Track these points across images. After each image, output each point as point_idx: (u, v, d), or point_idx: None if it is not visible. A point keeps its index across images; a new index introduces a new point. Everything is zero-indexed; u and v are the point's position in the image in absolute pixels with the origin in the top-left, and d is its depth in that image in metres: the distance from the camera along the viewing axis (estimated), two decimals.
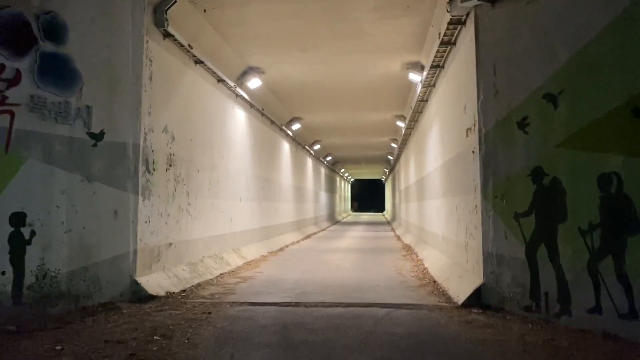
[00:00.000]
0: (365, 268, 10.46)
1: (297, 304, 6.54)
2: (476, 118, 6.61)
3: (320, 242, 18.21)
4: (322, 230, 25.88)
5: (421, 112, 13.67)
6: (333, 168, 37.81)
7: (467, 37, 7.19)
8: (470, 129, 7.05)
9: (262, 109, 13.88)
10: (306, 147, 22.72)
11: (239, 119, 12.08)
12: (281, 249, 14.75)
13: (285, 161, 18.65)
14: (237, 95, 11.62)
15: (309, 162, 25.27)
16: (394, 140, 23.98)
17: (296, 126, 18.35)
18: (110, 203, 6.47)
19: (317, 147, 25.24)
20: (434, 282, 8.40)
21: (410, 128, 16.55)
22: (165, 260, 7.73)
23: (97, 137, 6.38)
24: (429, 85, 10.90)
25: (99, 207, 6.36)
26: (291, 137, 18.70)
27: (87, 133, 6.30)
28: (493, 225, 6.24)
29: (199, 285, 8.07)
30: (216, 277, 8.99)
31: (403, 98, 14.85)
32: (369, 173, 54.09)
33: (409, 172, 19.81)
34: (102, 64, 6.50)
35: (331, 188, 37.66)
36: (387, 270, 10.05)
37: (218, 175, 10.38)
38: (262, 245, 13.64)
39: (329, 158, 31.84)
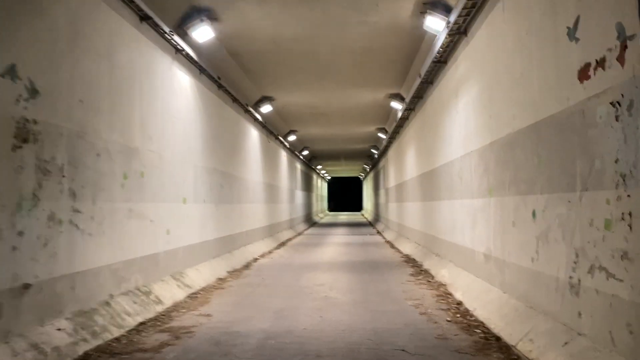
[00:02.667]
0: (368, 303, 6.97)
1: None
2: (624, 35, 3.20)
3: (298, 252, 14.65)
4: (299, 234, 22.33)
5: (432, 82, 10.28)
6: (310, 164, 34.25)
7: None
8: (595, 63, 3.62)
9: (219, 78, 10.26)
10: (280, 137, 19.11)
11: (181, 85, 8.45)
12: (247, 266, 11.16)
13: (254, 152, 15.03)
14: (178, 49, 7.99)
15: (284, 155, 21.65)
16: (382, 130, 20.60)
17: (267, 108, 14.74)
18: None
19: (292, 138, 21.64)
20: (497, 339, 4.97)
21: (410, 109, 13.14)
22: (15, 318, 4.11)
23: None
24: (458, 32, 7.48)
25: None
26: (261, 122, 15.09)
27: None
28: None
29: (86, 357, 4.49)
30: (129, 331, 5.40)
31: (405, 65, 11.37)
32: (347, 170, 50.78)
33: (404, 166, 16.42)
34: None
35: (308, 186, 34.08)
36: (403, 308, 6.59)
37: (142, 164, 6.74)
38: (220, 263, 10.03)
39: (305, 152, 28.25)
